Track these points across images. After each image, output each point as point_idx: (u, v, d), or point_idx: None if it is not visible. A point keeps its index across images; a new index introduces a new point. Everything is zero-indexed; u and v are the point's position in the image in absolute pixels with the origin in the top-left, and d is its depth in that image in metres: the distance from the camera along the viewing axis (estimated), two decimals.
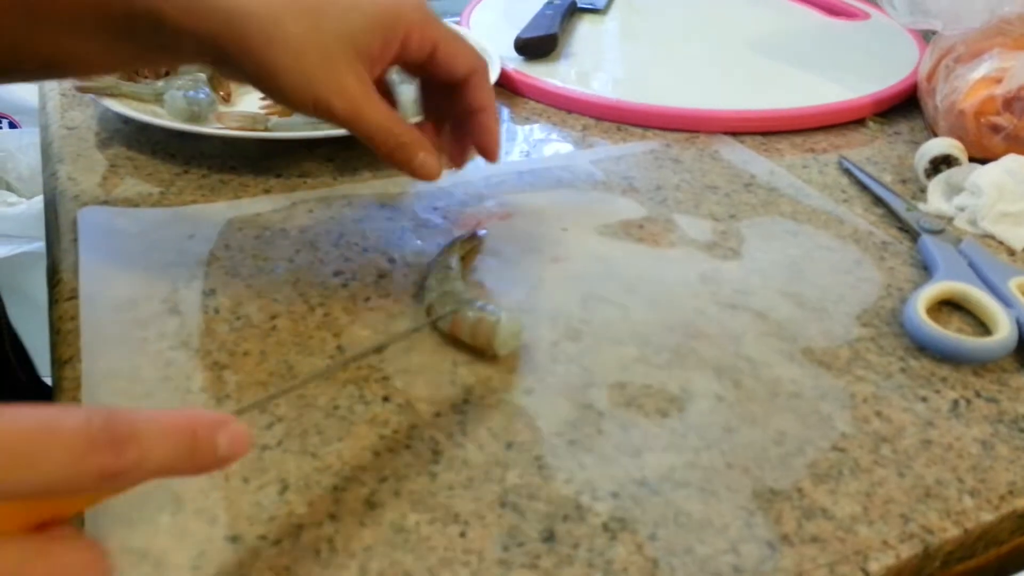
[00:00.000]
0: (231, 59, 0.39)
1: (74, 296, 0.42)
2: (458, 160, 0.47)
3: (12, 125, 1.46)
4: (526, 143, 0.62)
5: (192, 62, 0.44)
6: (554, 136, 0.63)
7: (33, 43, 0.39)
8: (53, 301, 0.43)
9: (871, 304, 0.45)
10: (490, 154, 0.46)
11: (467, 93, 0.44)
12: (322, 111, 0.40)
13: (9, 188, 1.42)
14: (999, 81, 0.57)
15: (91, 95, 0.58)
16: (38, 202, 1.35)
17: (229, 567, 0.30)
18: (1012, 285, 0.45)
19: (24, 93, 1.43)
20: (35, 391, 0.79)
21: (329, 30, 0.39)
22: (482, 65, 0.44)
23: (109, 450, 0.22)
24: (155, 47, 0.39)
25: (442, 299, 0.41)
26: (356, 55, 0.40)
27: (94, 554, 0.23)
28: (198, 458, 0.24)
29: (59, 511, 0.23)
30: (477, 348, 0.40)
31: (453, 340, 0.40)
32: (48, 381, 0.50)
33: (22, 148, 1.39)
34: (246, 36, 0.38)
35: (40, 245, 1.34)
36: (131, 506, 0.32)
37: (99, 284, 0.43)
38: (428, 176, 0.43)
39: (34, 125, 1.43)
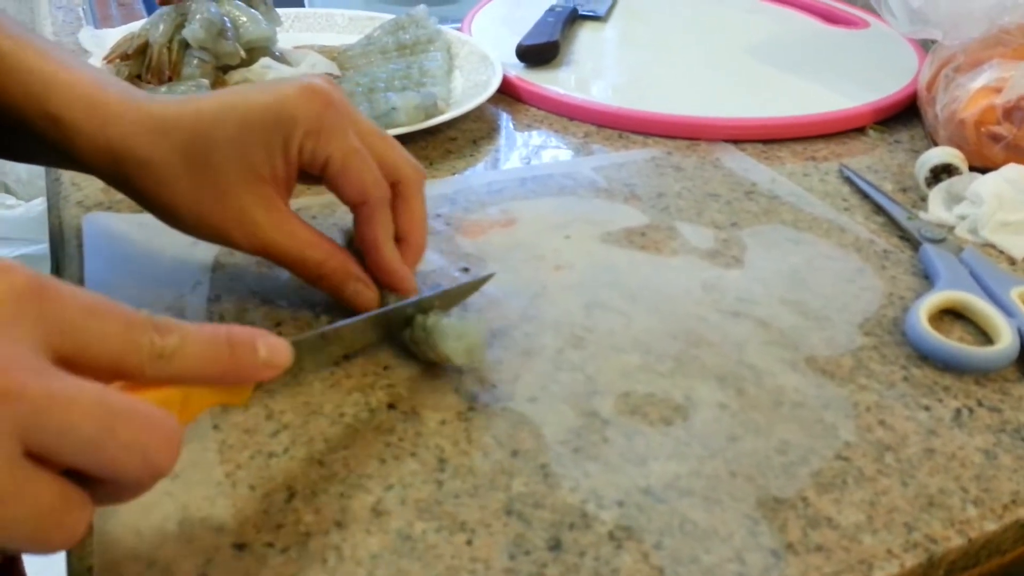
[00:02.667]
0: (134, 198, 0.39)
1: None
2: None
3: None
4: (528, 150, 0.62)
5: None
6: (555, 143, 0.63)
7: None
8: None
9: (873, 313, 0.46)
10: (398, 291, 0.41)
11: (358, 225, 0.40)
12: (231, 245, 0.39)
13: (7, 191, 1.42)
14: (999, 91, 0.57)
15: None
16: (36, 205, 1.35)
17: (236, 575, 0.30)
18: (1013, 294, 0.45)
19: None
20: None
21: (223, 161, 0.37)
22: (376, 196, 0.39)
23: (154, 329, 0.25)
24: (71, 167, 0.41)
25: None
26: (257, 179, 0.38)
27: (169, 421, 0.25)
28: (238, 357, 0.27)
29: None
30: (439, 360, 0.39)
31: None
32: None
33: None
34: (140, 180, 0.38)
35: (38, 248, 1.34)
36: (138, 515, 0.32)
37: (104, 290, 0.43)
38: (363, 307, 0.40)
39: None
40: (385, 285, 0.41)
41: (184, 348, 0.26)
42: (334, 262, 0.40)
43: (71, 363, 0.24)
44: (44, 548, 0.23)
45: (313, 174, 0.39)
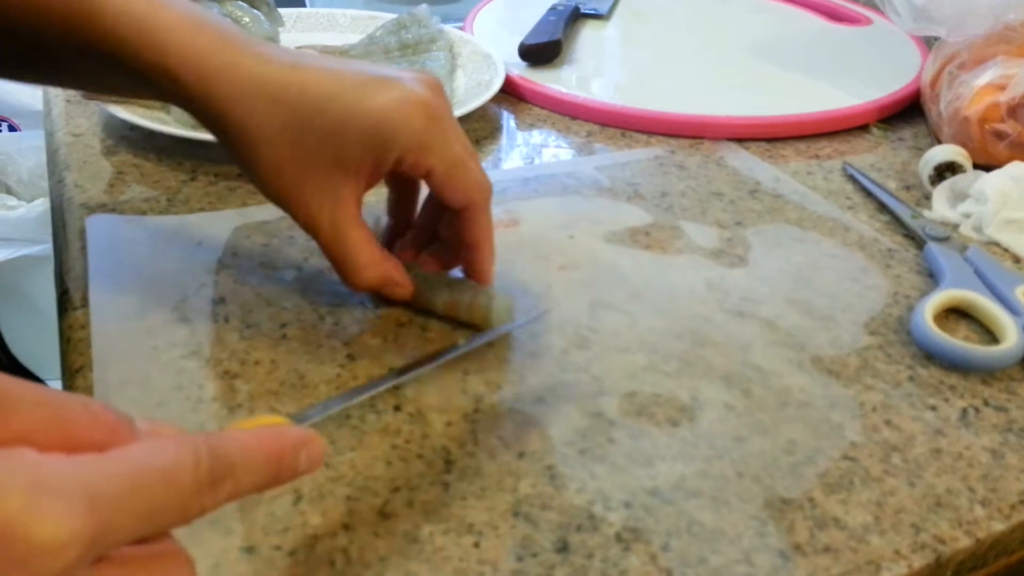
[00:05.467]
0: (224, 144, 0.40)
1: (84, 305, 0.42)
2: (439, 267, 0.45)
3: (12, 128, 1.45)
4: (530, 149, 0.62)
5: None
6: (558, 142, 0.63)
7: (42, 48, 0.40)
8: (63, 310, 0.43)
9: (878, 312, 0.46)
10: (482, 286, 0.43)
11: (460, 225, 0.42)
12: (290, 215, 0.40)
13: (9, 191, 1.42)
14: (1003, 88, 0.57)
15: (97, 102, 0.58)
16: (38, 205, 1.34)
17: None
18: (1019, 293, 0.45)
19: (24, 96, 1.42)
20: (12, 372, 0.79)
21: (312, 147, 0.38)
22: (481, 199, 0.41)
23: (209, 492, 0.23)
24: (173, 102, 0.41)
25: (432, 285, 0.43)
26: (341, 174, 0.39)
27: (187, 567, 0.24)
28: (280, 477, 0.26)
29: None
30: (473, 324, 0.42)
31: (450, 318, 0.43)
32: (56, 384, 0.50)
33: (22, 151, 1.39)
34: (233, 139, 0.39)
35: (39, 248, 1.33)
36: None
37: (108, 293, 0.43)
38: (395, 300, 0.43)
39: (34, 128, 1.42)
40: (474, 279, 0.43)
41: (233, 495, 0.24)
42: (380, 268, 0.41)
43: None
44: None
45: (409, 183, 0.44)
